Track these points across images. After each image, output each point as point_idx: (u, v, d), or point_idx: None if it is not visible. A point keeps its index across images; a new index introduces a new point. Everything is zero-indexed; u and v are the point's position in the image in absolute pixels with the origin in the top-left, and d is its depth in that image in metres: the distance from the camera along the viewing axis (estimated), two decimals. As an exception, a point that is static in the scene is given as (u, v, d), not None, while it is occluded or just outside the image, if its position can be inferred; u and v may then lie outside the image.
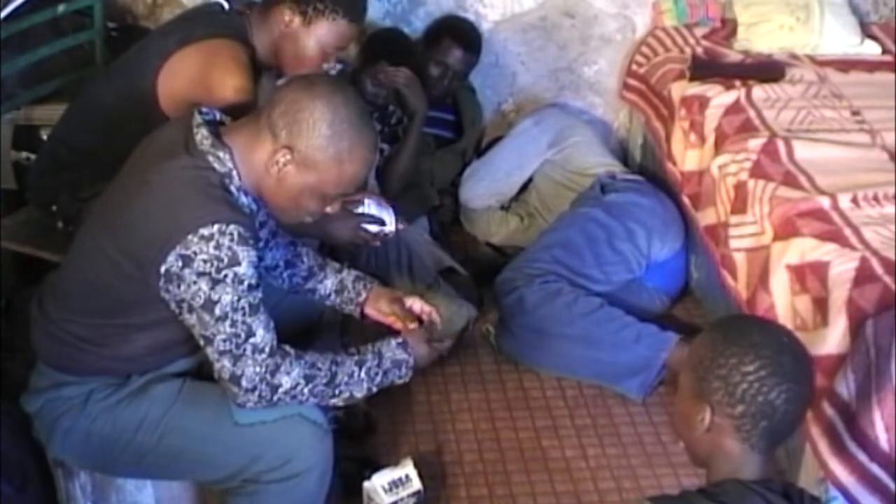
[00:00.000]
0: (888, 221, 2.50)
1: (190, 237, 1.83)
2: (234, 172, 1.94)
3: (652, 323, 3.01)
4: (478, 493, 2.67)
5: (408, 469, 2.47)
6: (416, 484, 2.46)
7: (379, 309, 2.37)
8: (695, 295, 3.34)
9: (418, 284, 3.14)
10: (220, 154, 1.93)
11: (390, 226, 2.73)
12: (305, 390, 2.00)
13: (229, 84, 2.38)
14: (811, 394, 1.72)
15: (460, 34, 3.61)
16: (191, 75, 2.43)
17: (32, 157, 3.08)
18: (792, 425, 1.70)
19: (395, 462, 2.50)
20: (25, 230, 2.81)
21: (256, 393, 1.96)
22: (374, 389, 2.14)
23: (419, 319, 2.34)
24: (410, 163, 3.35)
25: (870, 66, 3.44)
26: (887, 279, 2.27)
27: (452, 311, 3.09)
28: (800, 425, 1.79)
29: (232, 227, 1.84)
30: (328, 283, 2.38)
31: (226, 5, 2.57)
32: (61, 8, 3.05)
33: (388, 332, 2.29)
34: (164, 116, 2.42)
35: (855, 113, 3.06)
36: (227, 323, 1.88)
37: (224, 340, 1.90)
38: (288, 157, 1.92)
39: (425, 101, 3.32)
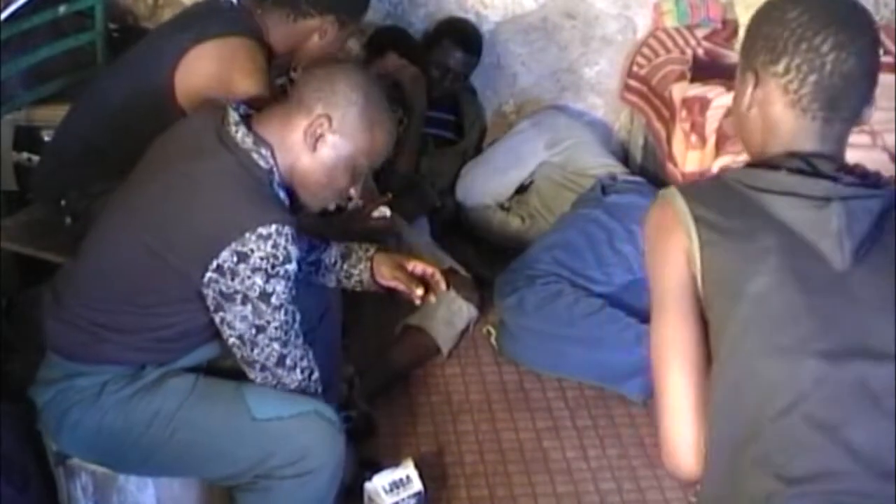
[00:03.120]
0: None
1: (248, 235, 1.89)
2: (275, 169, 2.01)
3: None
4: (479, 494, 2.67)
5: (409, 470, 2.47)
6: (417, 485, 2.46)
7: (382, 275, 2.39)
8: (695, 296, 3.33)
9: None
10: (263, 151, 1.99)
11: None
12: (316, 373, 2.13)
13: (249, 85, 2.41)
14: (870, 46, 1.50)
15: (461, 35, 3.62)
16: (210, 73, 2.45)
17: (34, 158, 3.08)
18: (849, 82, 1.48)
19: (395, 463, 2.50)
20: (26, 231, 2.81)
21: (297, 371, 2.08)
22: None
23: (424, 283, 2.37)
24: (409, 162, 3.36)
25: (871, 67, 3.43)
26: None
27: (453, 311, 3.09)
28: (863, 87, 1.51)
29: (287, 227, 1.93)
30: (332, 252, 2.39)
31: (234, 1, 2.59)
32: (62, 9, 3.05)
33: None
34: (182, 112, 2.43)
35: (856, 114, 3.06)
36: (282, 311, 1.99)
37: (277, 328, 2.00)
38: (326, 124, 2.01)
39: (425, 100, 3.33)
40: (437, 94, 3.51)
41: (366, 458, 2.66)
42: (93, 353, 2.05)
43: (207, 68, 2.45)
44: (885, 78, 3.40)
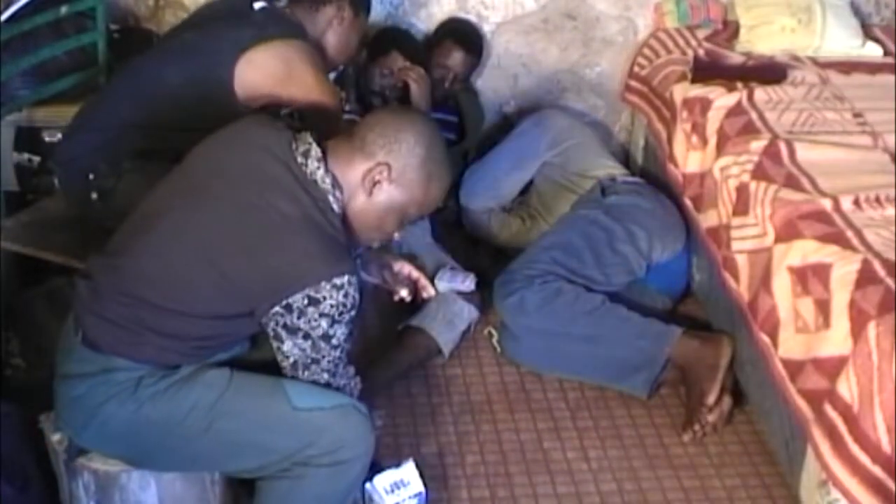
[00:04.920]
0: (890, 223, 2.50)
1: (323, 284, 1.97)
2: (342, 211, 2.08)
3: (655, 319, 3.02)
4: (479, 495, 2.67)
5: (409, 471, 2.47)
6: (418, 485, 2.46)
7: (370, 271, 2.49)
8: (696, 297, 3.33)
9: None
10: (337, 194, 2.07)
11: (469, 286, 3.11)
12: (355, 395, 2.21)
13: (314, 77, 2.63)
14: None
15: (462, 36, 3.62)
16: (274, 71, 2.61)
17: (34, 158, 3.09)
18: None
19: (396, 464, 2.50)
20: (27, 231, 2.81)
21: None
22: None
23: (413, 283, 2.49)
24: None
25: (871, 68, 3.44)
26: (889, 281, 2.26)
27: (454, 312, 3.09)
28: None
29: (355, 277, 2.02)
30: None
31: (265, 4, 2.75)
32: (63, 9, 3.05)
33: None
34: (239, 104, 2.58)
35: (857, 115, 3.06)
36: (339, 350, 2.09)
37: (329, 362, 2.09)
38: (385, 173, 2.08)
39: (429, 100, 3.33)
40: (439, 95, 3.51)
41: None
42: (133, 351, 2.06)
43: (272, 66, 2.61)
44: (885, 78, 3.44)
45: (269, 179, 2.04)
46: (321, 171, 2.04)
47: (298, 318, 2.00)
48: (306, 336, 2.03)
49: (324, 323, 2.01)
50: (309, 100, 2.63)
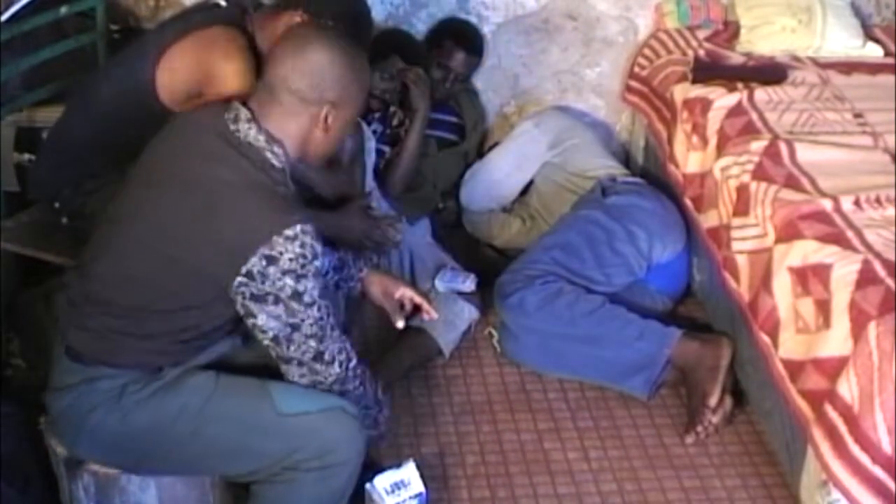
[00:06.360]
0: (890, 223, 2.50)
1: (275, 238, 1.93)
2: (286, 166, 2.05)
3: (655, 319, 3.01)
4: (480, 496, 2.67)
5: (410, 471, 2.47)
6: (418, 486, 2.46)
7: (371, 295, 2.50)
8: (697, 297, 3.33)
9: (420, 286, 3.15)
10: (275, 149, 2.04)
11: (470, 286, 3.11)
12: (359, 369, 2.18)
13: (231, 69, 2.43)
14: None
15: (463, 36, 3.62)
16: (190, 64, 2.47)
17: (34, 158, 3.08)
18: None
19: (397, 464, 2.50)
20: (27, 232, 2.82)
21: (336, 364, 2.11)
22: (375, 405, 2.31)
23: (415, 307, 2.50)
24: (412, 163, 3.35)
25: (872, 68, 3.44)
26: (889, 281, 2.26)
27: (455, 313, 3.09)
28: None
29: (309, 225, 1.97)
30: (325, 261, 2.39)
31: (223, 3, 2.60)
32: (63, 10, 3.05)
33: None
34: (165, 108, 2.45)
35: (857, 115, 3.06)
36: (315, 307, 2.02)
37: (312, 324, 2.02)
38: (330, 109, 2.06)
39: (429, 101, 3.33)
40: (439, 96, 3.51)
41: (367, 459, 2.66)
42: (113, 358, 2.05)
43: (187, 59, 2.48)
44: (885, 79, 3.43)
45: (206, 153, 2.03)
46: (253, 131, 2.03)
47: (262, 282, 1.95)
48: (276, 300, 1.98)
49: (289, 280, 1.96)
50: (226, 86, 2.44)
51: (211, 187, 1.99)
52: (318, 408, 2.09)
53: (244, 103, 2.07)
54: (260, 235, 1.93)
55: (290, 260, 1.94)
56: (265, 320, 2.00)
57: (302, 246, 1.95)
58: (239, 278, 1.95)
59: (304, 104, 2.05)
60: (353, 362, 2.15)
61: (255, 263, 1.94)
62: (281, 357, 2.07)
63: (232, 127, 2.03)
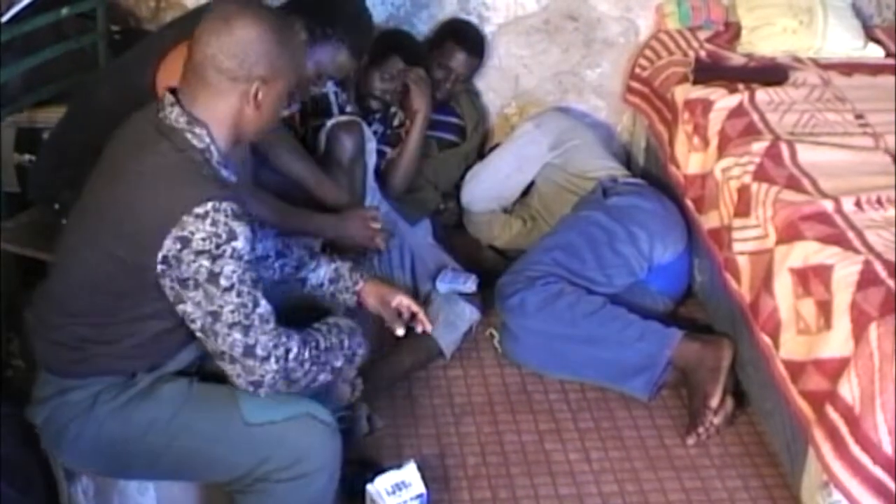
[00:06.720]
0: (891, 224, 2.50)
1: (185, 218, 1.86)
2: (213, 147, 1.98)
3: (655, 320, 3.01)
4: (481, 496, 2.66)
5: (410, 472, 2.47)
6: (419, 487, 2.46)
7: (367, 305, 2.42)
8: (698, 298, 3.33)
9: (421, 287, 3.15)
10: (197, 130, 1.96)
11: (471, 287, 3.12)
12: (306, 353, 2.03)
13: None
14: None
15: (463, 37, 3.62)
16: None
17: (35, 159, 3.08)
18: None
19: (398, 465, 2.50)
20: (27, 232, 2.82)
21: (272, 360, 1.98)
22: (344, 359, 2.17)
23: (412, 315, 2.41)
24: (413, 164, 3.36)
25: (873, 69, 3.43)
26: (891, 282, 2.26)
27: (455, 313, 3.09)
28: None
29: (225, 203, 1.88)
30: (321, 272, 2.39)
31: None
32: (64, 11, 3.05)
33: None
34: None
35: (858, 116, 3.06)
36: (234, 293, 1.91)
37: (232, 311, 1.92)
38: (260, 85, 1.98)
39: (430, 102, 3.33)
40: (440, 97, 3.51)
41: (368, 459, 2.66)
42: (84, 368, 2.04)
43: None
44: (886, 79, 3.43)
45: (136, 142, 1.99)
46: (174, 114, 1.96)
47: (178, 266, 1.87)
48: (196, 284, 1.89)
49: (204, 261, 1.87)
50: None
51: (131, 178, 1.94)
52: (284, 416, 2.04)
53: (173, 89, 2.03)
54: (171, 217, 1.86)
55: (203, 240, 1.86)
56: (191, 309, 1.92)
57: (213, 224, 1.86)
58: (160, 266, 1.88)
59: (232, 82, 1.96)
60: (294, 352, 2.01)
61: (169, 247, 1.87)
62: (214, 352, 1.98)
63: (161, 114, 1.98)
